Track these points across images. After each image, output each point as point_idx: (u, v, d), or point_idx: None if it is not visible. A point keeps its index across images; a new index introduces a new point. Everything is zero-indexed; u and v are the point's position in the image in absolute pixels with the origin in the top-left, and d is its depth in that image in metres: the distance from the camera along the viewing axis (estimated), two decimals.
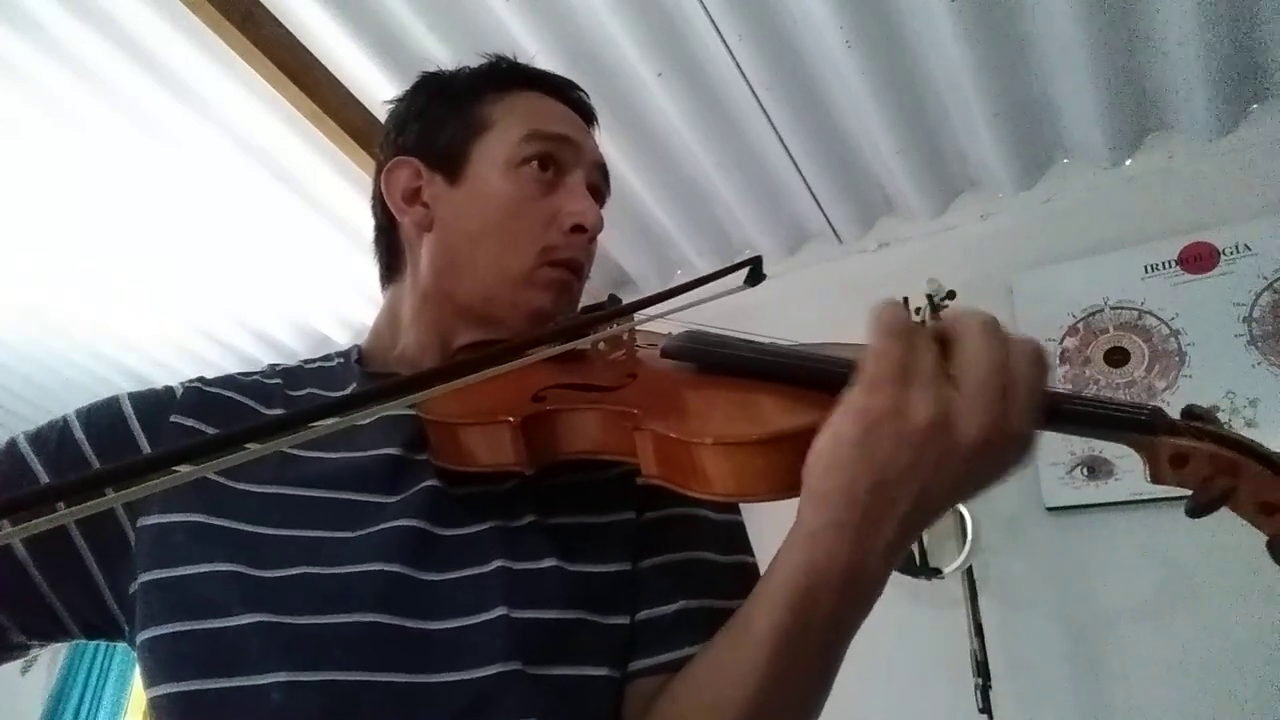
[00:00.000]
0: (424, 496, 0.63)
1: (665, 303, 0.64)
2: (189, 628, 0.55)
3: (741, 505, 0.71)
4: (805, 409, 0.49)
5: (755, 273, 0.69)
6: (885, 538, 0.46)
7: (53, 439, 0.63)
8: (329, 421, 0.41)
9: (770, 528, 0.56)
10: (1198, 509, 0.45)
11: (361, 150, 2.09)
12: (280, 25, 1.90)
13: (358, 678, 0.54)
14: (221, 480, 0.62)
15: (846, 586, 0.47)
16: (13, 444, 0.63)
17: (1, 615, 0.59)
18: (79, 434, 0.63)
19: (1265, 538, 0.44)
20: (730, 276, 0.69)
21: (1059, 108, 1.91)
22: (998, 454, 0.45)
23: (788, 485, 0.49)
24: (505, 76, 0.78)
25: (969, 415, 0.44)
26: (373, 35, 1.88)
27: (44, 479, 0.61)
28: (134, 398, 0.67)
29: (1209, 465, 0.45)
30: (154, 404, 0.67)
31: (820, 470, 0.46)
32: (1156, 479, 0.46)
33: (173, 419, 0.65)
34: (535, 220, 0.72)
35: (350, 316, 2.83)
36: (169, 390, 0.69)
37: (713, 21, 1.74)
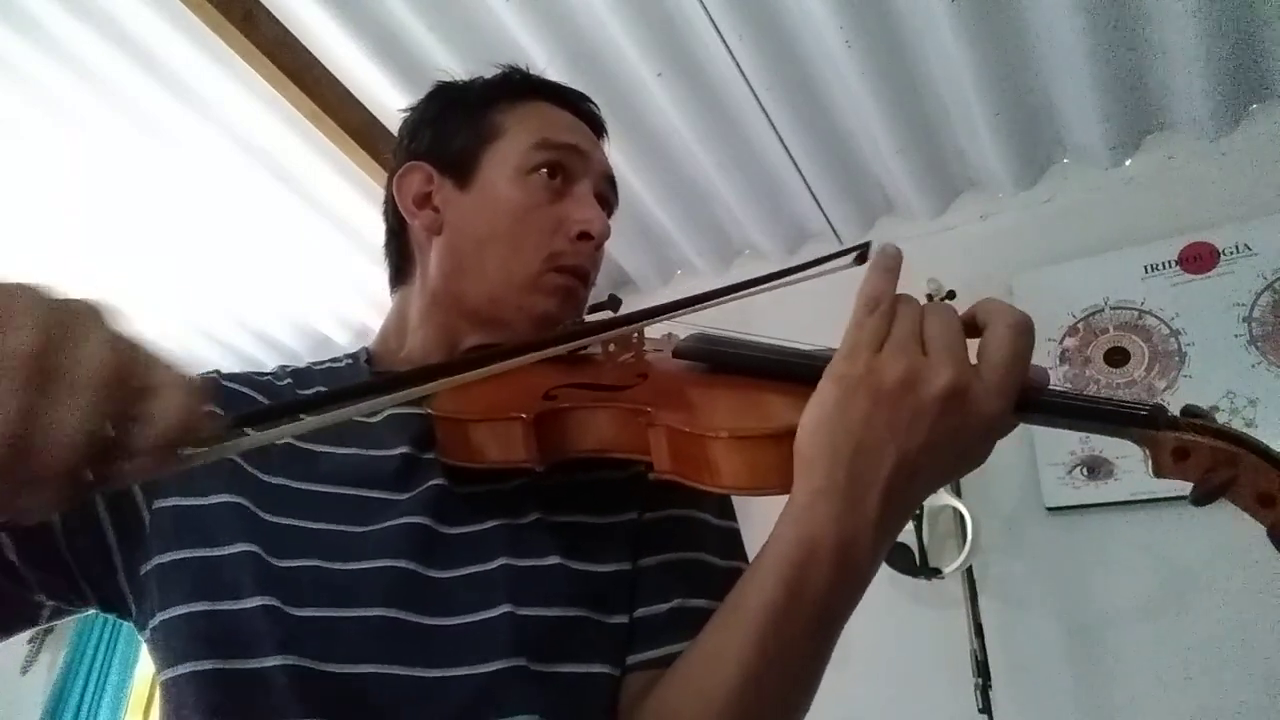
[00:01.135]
0: (431, 495, 0.64)
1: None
2: (206, 608, 0.56)
3: (739, 513, 0.73)
4: None
5: (863, 256, 0.72)
6: (874, 507, 0.48)
7: None
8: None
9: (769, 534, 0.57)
10: (1199, 498, 0.48)
11: (361, 150, 2.09)
12: (280, 25, 1.90)
13: (365, 670, 0.55)
14: (242, 465, 0.63)
15: (838, 560, 0.48)
16: None
17: (27, 570, 0.58)
18: None
19: (1264, 528, 0.46)
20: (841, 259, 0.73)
21: (1059, 108, 1.91)
22: (969, 415, 0.47)
23: None
24: (518, 86, 0.80)
25: (934, 371, 0.47)
26: (372, 35, 1.88)
27: None
28: None
29: (1210, 458, 0.47)
30: None
31: (806, 437, 0.48)
32: (1159, 472, 0.48)
33: None
34: (542, 226, 0.73)
35: (350, 317, 2.83)
36: None
37: (713, 21, 1.74)
